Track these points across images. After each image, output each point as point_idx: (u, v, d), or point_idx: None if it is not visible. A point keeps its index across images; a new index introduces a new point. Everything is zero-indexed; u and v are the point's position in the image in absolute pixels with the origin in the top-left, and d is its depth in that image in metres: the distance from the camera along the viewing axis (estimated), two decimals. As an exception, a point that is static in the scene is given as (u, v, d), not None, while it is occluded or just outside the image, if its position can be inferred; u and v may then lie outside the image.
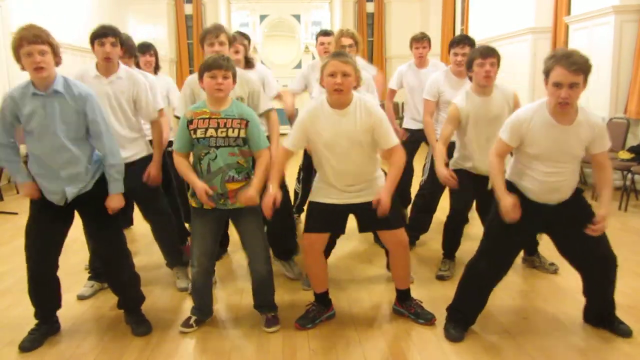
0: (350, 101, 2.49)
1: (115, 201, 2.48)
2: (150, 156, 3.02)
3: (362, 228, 2.76)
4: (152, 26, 11.47)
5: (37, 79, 2.29)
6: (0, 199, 5.74)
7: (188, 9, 11.81)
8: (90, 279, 3.13)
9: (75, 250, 3.39)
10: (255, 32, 11.90)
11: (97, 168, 2.49)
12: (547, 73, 2.28)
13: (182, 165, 2.52)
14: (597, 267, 2.50)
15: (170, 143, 3.82)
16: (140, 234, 3.85)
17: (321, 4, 11.99)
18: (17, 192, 6.04)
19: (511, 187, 2.48)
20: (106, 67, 2.84)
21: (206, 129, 2.43)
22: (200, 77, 2.46)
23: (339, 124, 2.48)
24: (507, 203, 2.37)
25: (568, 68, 2.19)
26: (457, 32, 10.32)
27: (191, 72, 11.85)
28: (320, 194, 2.62)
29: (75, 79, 2.47)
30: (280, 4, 11.89)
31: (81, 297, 3.01)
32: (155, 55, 4.00)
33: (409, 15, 11.90)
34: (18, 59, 2.27)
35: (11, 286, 3.21)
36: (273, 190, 2.48)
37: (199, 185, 2.44)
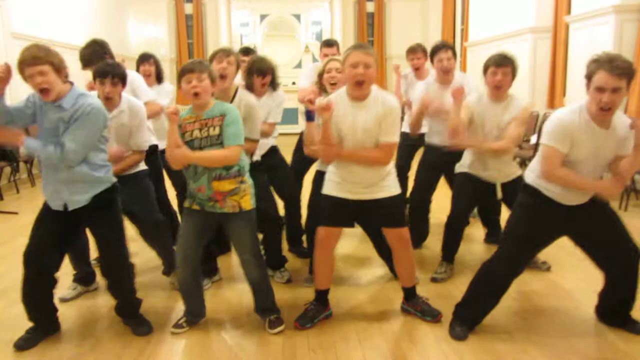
0: (370, 93, 2.49)
1: None
2: (144, 171, 3.06)
3: (366, 226, 2.75)
4: (152, 26, 11.48)
5: (43, 98, 2.29)
6: (0, 198, 5.74)
7: (188, 8, 11.81)
8: (74, 281, 3.09)
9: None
10: (255, 32, 11.91)
11: (101, 185, 2.47)
12: (589, 77, 2.23)
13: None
14: (621, 260, 2.47)
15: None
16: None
17: (321, 4, 11.99)
18: (17, 192, 6.04)
19: (535, 193, 2.43)
20: (107, 104, 2.83)
21: (192, 132, 2.45)
22: (179, 84, 2.45)
23: (357, 115, 2.48)
24: (606, 185, 2.34)
25: (611, 72, 2.14)
26: (458, 32, 10.32)
27: (191, 71, 11.84)
28: (333, 187, 2.61)
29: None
30: (280, 4, 11.89)
31: (63, 300, 2.96)
32: (156, 64, 3.96)
33: (409, 15, 11.90)
34: (25, 80, 2.28)
35: (10, 286, 3.21)
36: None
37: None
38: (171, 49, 11.66)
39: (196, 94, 2.40)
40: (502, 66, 2.90)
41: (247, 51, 3.99)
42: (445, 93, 3.38)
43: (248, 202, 2.52)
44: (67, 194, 2.40)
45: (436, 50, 3.46)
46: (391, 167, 2.63)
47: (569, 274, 3.26)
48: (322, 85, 2.97)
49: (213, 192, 2.45)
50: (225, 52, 2.90)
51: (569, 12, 6.50)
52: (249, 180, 2.54)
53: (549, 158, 2.32)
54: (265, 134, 3.20)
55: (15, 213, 5.05)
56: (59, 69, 2.30)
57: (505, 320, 2.71)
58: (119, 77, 2.80)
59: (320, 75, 2.98)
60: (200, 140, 2.44)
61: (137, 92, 3.30)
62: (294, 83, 11.45)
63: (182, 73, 2.42)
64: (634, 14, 5.49)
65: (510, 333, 2.56)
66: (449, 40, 10.44)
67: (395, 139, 2.52)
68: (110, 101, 2.82)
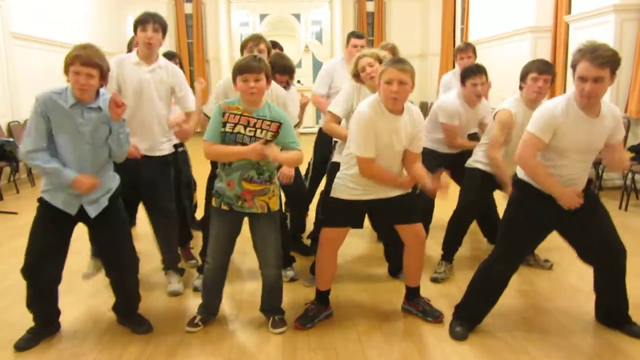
0: (404, 107, 2.53)
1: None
2: (171, 155, 3.08)
3: (380, 222, 2.76)
4: (152, 26, 11.47)
5: (78, 95, 2.31)
6: (0, 198, 5.73)
7: (188, 8, 11.81)
8: (92, 256, 3.17)
9: (74, 250, 3.38)
10: (255, 32, 11.90)
11: (114, 182, 2.49)
12: (573, 67, 2.27)
13: (216, 148, 2.43)
14: (608, 256, 2.48)
15: (181, 144, 3.83)
16: (142, 234, 3.85)
17: (321, 3, 11.99)
18: (17, 192, 6.04)
19: (525, 187, 2.45)
20: (148, 53, 2.87)
21: (235, 125, 2.43)
22: (234, 80, 2.45)
23: (396, 128, 2.51)
24: (570, 193, 2.35)
25: (592, 62, 2.17)
26: (458, 32, 10.31)
27: (191, 71, 11.87)
28: (344, 191, 2.62)
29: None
30: (280, 3, 11.89)
31: (85, 277, 3.10)
32: (180, 64, 3.96)
33: (409, 14, 11.90)
34: (66, 72, 2.29)
35: (11, 286, 3.21)
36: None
37: (247, 149, 2.39)
38: (171, 49, 11.63)
39: (252, 94, 2.40)
40: (544, 73, 2.92)
41: (273, 45, 4.08)
42: (472, 113, 3.48)
43: (275, 202, 2.54)
44: (87, 199, 2.39)
45: (470, 73, 3.36)
46: (402, 169, 2.69)
47: (571, 273, 3.26)
48: (361, 82, 2.99)
49: (242, 191, 2.46)
50: (255, 41, 2.95)
51: (569, 11, 6.50)
52: (277, 181, 2.56)
53: (528, 146, 2.37)
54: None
55: (15, 213, 5.04)
56: (104, 75, 2.34)
57: (506, 319, 2.71)
58: (160, 24, 2.85)
59: (357, 75, 2.99)
60: (243, 137, 2.42)
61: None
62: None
63: (240, 71, 2.40)
64: (634, 14, 5.49)
65: (511, 332, 2.56)
66: (449, 40, 10.44)
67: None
68: (150, 49, 2.85)
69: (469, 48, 4.31)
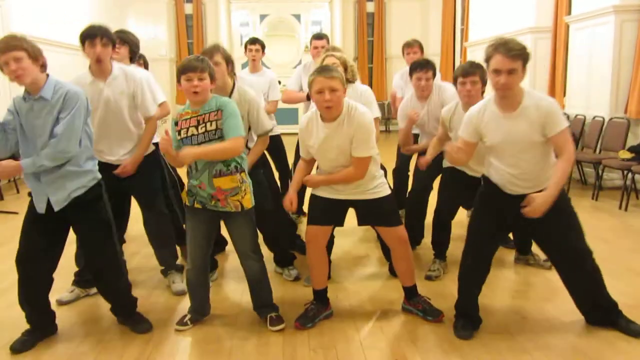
0: (340, 113, 2.51)
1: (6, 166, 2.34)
2: (150, 155, 3.03)
3: (361, 222, 2.80)
4: (152, 26, 11.47)
5: (20, 86, 2.28)
6: (0, 198, 5.73)
7: (188, 8, 11.82)
8: (73, 283, 3.05)
9: (71, 250, 3.39)
10: (255, 32, 11.90)
11: (85, 179, 2.42)
12: (487, 61, 2.33)
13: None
14: (571, 259, 2.51)
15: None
16: (140, 234, 3.85)
17: (321, 4, 11.98)
18: (17, 192, 6.04)
19: (485, 181, 2.54)
20: (100, 69, 2.78)
21: (188, 128, 2.45)
22: (178, 80, 2.45)
23: (327, 136, 2.53)
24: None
25: (506, 54, 2.24)
26: (458, 32, 10.32)
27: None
28: (321, 188, 2.66)
29: (72, 84, 2.41)
30: (280, 4, 11.89)
31: (60, 302, 2.92)
32: (145, 64, 3.95)
33: (409, 15, 11.90)
34: (2, 70, 2.27)
35: (11, 286, 3.19)
36: (291, 192, 2.68)
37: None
38: (171, 49, 11.65)
39: (195, 93, 2.41)
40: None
41: (254, 41, 4.36)
42: (424, 107, 3.48)
43: (249, 200, 2.54)
44: (52, 194, 2.35)
45: (415, 67, 3.43)
46: (377, 173, 2.66)
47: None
48: None
49: (215, 191, 2.45)
50: (209, 54, 2.85)
51: (569, 12, 6.50)
52: (248, 178, 2.55)
53: (459, 143, 2.52)
54: (269, 113, 3.27)
55: (16, 213, 5.04)
56: (35, 56, 2.27)
57: (505, 319, 2.71)
58: (108, 37, 2.75)
59: None
60: (197, 136, 2.43)
61: (152, 91, 3.22)
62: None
63: (183, 71, 2.41)
64: (634, 14, 5.49)
65: (511, 332, 2.56)
66: (449, 40, 10.44)
67: (367, 153, 2.52)
68: (101, 65, 2.76)
69: (415, 44, 4.41)
